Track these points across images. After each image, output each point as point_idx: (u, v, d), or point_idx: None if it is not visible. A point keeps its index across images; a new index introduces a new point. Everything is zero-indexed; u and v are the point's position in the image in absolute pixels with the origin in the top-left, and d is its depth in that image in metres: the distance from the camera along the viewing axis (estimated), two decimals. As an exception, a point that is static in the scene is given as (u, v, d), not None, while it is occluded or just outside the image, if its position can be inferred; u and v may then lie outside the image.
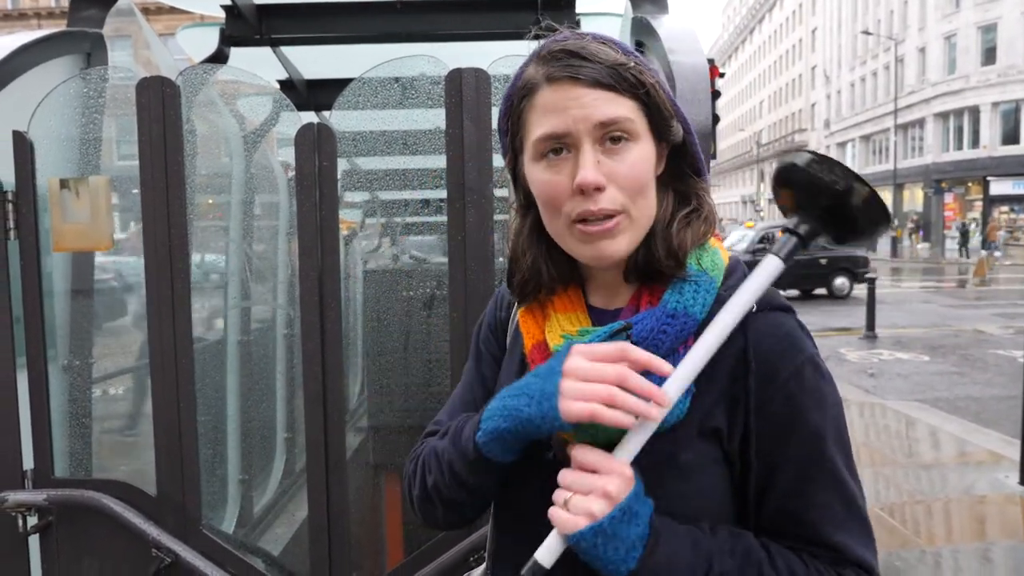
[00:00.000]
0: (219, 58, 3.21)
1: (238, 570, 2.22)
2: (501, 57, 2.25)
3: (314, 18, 3.31)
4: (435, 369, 3.09)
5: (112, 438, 4.57)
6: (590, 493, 0.90)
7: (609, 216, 0.97)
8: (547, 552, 0.93)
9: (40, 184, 2.20)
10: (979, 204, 38.20)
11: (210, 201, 3.86)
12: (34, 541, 2.29)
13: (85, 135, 2.65)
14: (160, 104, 2.13)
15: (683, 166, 1.06)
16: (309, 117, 3.65)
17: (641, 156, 0.98)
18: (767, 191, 70.59)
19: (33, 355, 2.22)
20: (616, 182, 0.97)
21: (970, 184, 38.98)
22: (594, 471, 0.91)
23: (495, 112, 2.09)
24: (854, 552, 0.97)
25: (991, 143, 36.93)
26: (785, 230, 0.98)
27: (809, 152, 0.94)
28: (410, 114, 2.60)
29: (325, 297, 2.17)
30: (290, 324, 3.94)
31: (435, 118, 2.34)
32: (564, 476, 0.94)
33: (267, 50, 3.51)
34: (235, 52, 3.28)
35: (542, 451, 1.03)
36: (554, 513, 0.92)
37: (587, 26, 3.18)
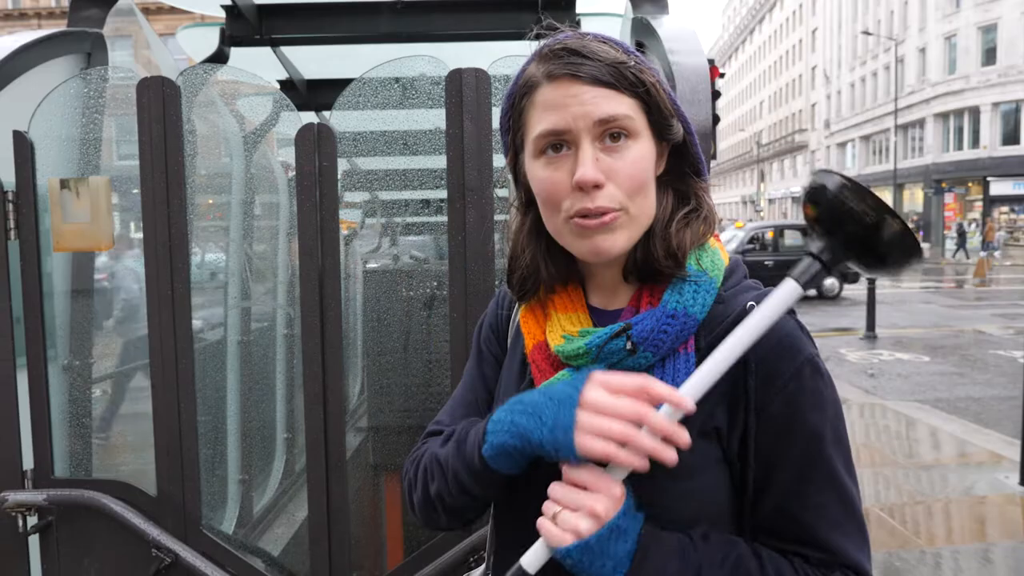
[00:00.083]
0: (219, 58, 3.21)
1: (238, 570, 2.22)
2: (501, 57, 2.25)
3: (314, 18, 3.31)
4: (435, 369, 3.09)
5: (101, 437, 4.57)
6: (579, 510, 0.90)
7: (605, 212, 0.97)
8: (533, 559, 0.93)
9: (40, 184, 2.20)
10: (979, 204, 38.19)
11: (210, 201, 3.86)
12: (34, 541, 2.29)
13: (85, 135, 2.65)
14: (160, 104, 2.13)
15: (683, 166, 1.06)
16: (309, 117, 3.65)
17: (640, 154, 0.98)
18: (767, 191, 70.67)
19: (33, 355, 2.22)
20: (615, 180, 0.97)
21: (970, 184, 38.98)
22: (584, 488, 0.91)
23: (495, 112, 2.10)
24: (848, 554, 0.97)
25: (991, 143, 36.94)
26: (808, 254, 0.93)
27: (841, 177, 0.89)
28: (410, 114, 2.60)
29: (325, 297, 2.17)
30: (290, 324, 3.94)
31: (435, 118, 2.34)
32: (554, 490, 0.93)
33: (267, 50, 3.51)
34: (235, 52, 3.28)
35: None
36: (542, 525, 0.92)
37: (587, 26, 3.18)
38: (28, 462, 2.25)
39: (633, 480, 0.95)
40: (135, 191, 2.21)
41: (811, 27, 62.13)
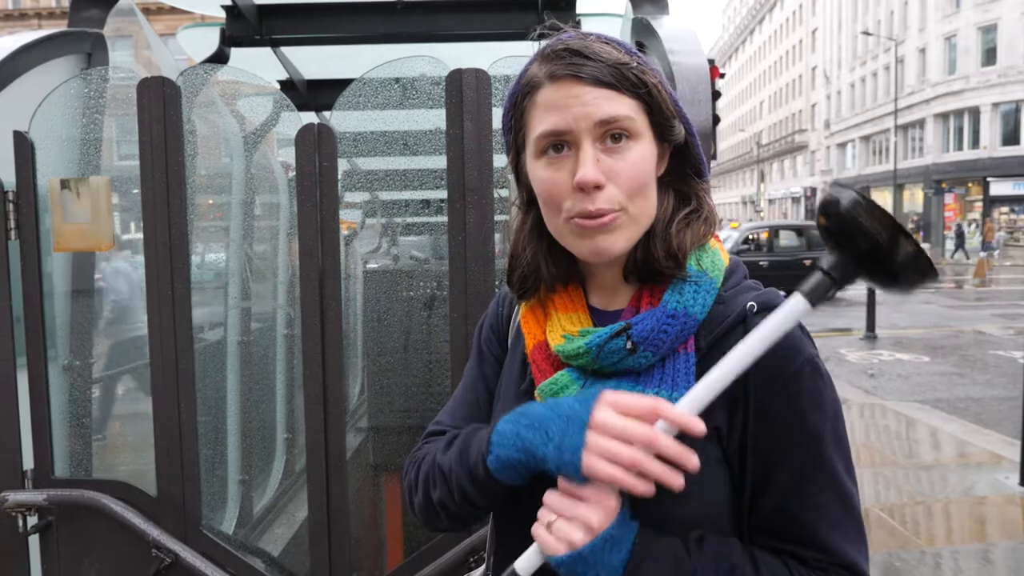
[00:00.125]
0: (220, 58, 3.21)
1: (238, 570, 2.22)
2: (502, 58, 2.25)
3: (315, 18, 3.31)
4: (435, 369, 3.09)
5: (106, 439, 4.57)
6: (573, 520, 0.90)
7: (607, 212, 0.97)
8: (527, 563, 0.94)
9: (41, 184, 2.20)
10: (979, 205, 38.19)
11: (210, 201, 3.86)
12: (34, 541, 2.29)
13: (86, 135, 2.65)
14: (161, 104, 2.13)
15: (685, 167, 1.07)
16: (309, 117, 3.65)
17: (641, 155, 0.99)
18: (767, 191, 70.68)
19: (33, 355, 2.22)
20: (615, 181, 0.97)
21: (970, 185, 38.98)
22: (579, 498, 0.91)
23: (496, 113, 2.10)
24: (847, 554, 0.97)
25: (991, 144, 36.93)
26: (819, 269, 0.91)
27: (855, 194, 0.87)
28: (410, 114, 2.60)
29: (325, 298, 2.17)
30: (290, 324, 3.94)
31: (435, 119, 2.34)
32: (549, 498, 0.93)
33: (267, 50, 3.51)
34: (235, 52, 3.28)
35: None
36: (537, 532, 0.92)
37: (588, 27, 3.18)
38: (28, 462, 2.25)
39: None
40: (135, 191, 2.21)
41: (811, 27, 62.14)
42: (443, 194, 2.17)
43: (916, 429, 7.24)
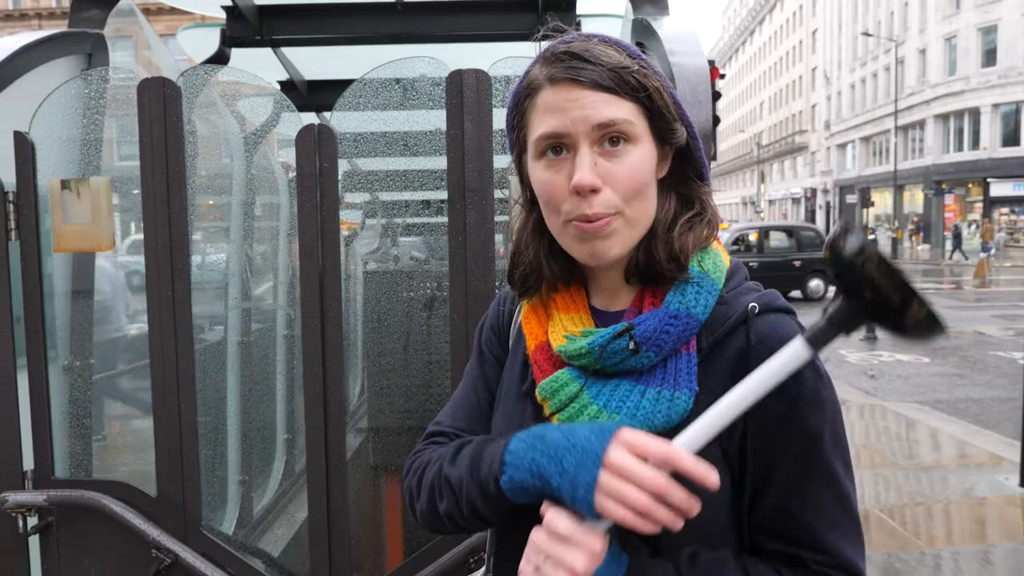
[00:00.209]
0: (220, 59, 3.21)
1: (238, 571, 2.22)
2: (502, 59, 2.25)
3: (315, 19, 3.31)
4: (435, 370, 3.09)
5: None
6: (559, 566, 0.90)
7: (604, 216, 0.98)
8: None
9: (41, 185, 2.20)
10: (979, 206, 38.19)
11: (211, 202, 3.86)
12: (34, 542, 2.29)
13: (86, 136, 2.65)
14: (161, 105, 2.13)
15: (687, 170, 1.07)
16: (310, 118, 3.66)
17: (639, 158, 0.99)
18: (767, 192, 70.69)
19: (33, 356, 2.22)
20: (612, 184, 0.97)
21: (970, 185, 38.99)
22: (566, 539, 0.90)
23: (496, 113, 2.10)
24: (845, 555, 0.98)
25: (991, 145, 36.94)
26: (826, 315, 0.88)
27: (862, 243, 0.83)
28: (411, 115, 2.60)
29: (326, 298, 2.17)
30: (290, 325, 3.94)
31: (436, 119, 2.34)
32: (537, 537, 0.93)
33: (268, 51, 3.51)
34: (236, 53, 3.28)
35: None
36: (524, 571, 0.93)
37: (588, 28, 3.19)
38: (28, 462, 2.25)
39: None
40: (136, 192, 2.21)
41: (811, 28, 62.16)
42: (443, 195, 2.17)
43: (916, 430, 7.24)
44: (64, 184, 2.21)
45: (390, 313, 3.14)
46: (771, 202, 71.13)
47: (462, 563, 2.10)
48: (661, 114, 1.00)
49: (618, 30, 3.18)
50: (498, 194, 2.16)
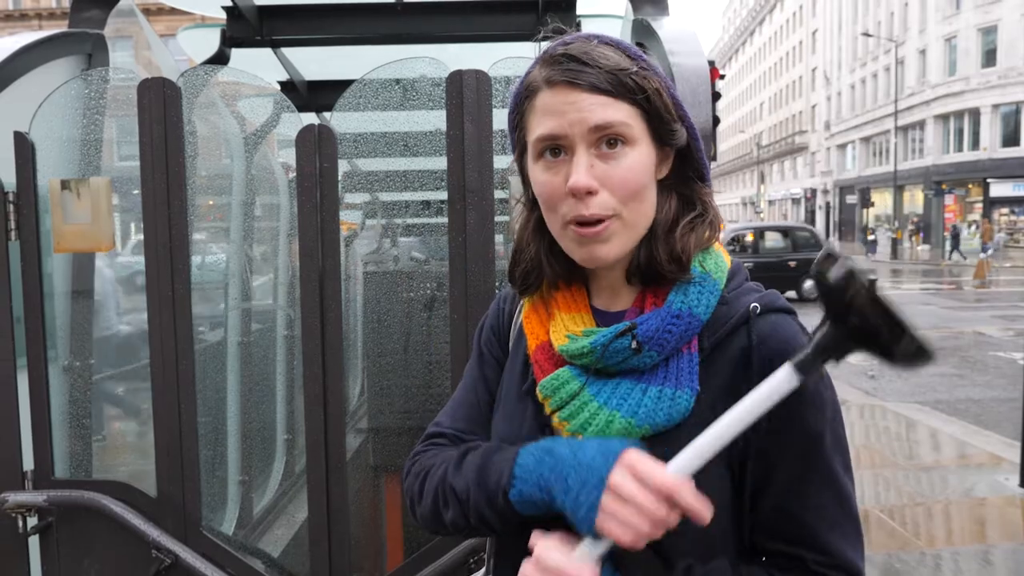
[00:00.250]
0: (220, 59, 3.21)
1: (238, 571, 2.22)
2: (502, 59, 2.26)
3: (315, 19, 3.31)
4: (435, 371, 3.09)
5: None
6: None
7: (600, 220, 0.98)
8: None
9: (41, 185, 2.20)
10: (979, 206, 38.19)
11: (211, 202, 3.86)
12: (34, 542, 2.29)
13: (86, 136, 2.65)
14: (161, 105, 2.13)
15: (688, 170, 1.07)
16: (310, 118, 3.66)
17: (637, 160, 0.99)
18: (767, 193, 70.69)
19: (33, 356, 2.22)
20: (609, 186, 0.98)
21: (970, 186, 38.98)
22: (555, 570, 0.91)
23: (496, 114, 2.10)
24: (845, 555, 0.99)
25: (991, 145, 36.92)
26: (813, 341, 0.89)
27: (848, 270, 0.83)
28: (411, 116, 2.60)
29: (326, 299, 2.17)
30: (290, 325, 3.94)
31: (436, 120, 2.34)
32: (526, 570, 0.94)
33: (268, 51, 3.51)
34: (236, 53, 3.28)
35: None
36: None
37: (588, 28, 3.19)
38: (28, 463, 2.25)
39: None
40: (136, 192, 2.21)
41: (811, 29, 62.16)
42: (443, 195, 2.17)
43: (916, 430, 7.24)
44: (64, 184, 2.21)
45: (390, 313, 3.14)
46: (771, 203, 71.13)
47: (462, 563, 2.10)
48: (659, 116, 1.00)
49: (618, 30, 3.18)
50: (498, 194, 2.15)
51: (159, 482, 2.22)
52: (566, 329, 1.06)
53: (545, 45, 1.05)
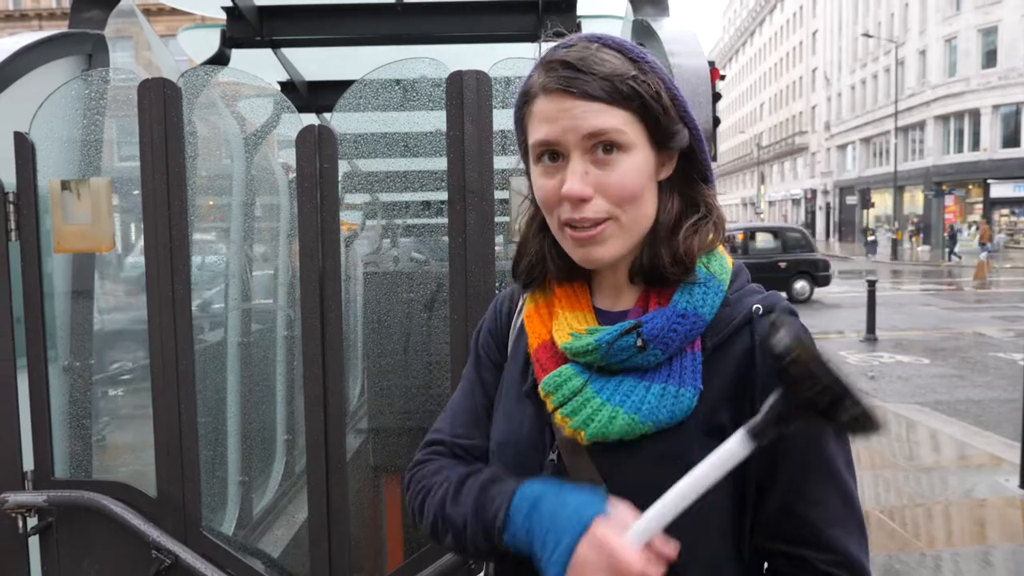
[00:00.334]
0: (220, 60, 3.21)
1: (238, 572, 2.21)
2: (502, 59, 2.26)
3: (315, 20, 3.31)
4: (435, 371, 3.09)
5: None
6: None
7: (595, 223, 1.00)
8: None
9: (41, 185, 2.20)
10: (979, 207, 38.18)
11: (211, 203, 3.86)
12: (34, 542, 2.28)
13: (86, 136, 2.65)
14: (161, 105, 2.13)
15: (692, 172, 1.08)
16: (310, 119, 3.66)
17: (632, 166, 1.00)
18: (767, 193, 70.67)
19: (33, 356, 2.22)
20: (603, 192, 0.99)
21: (970, 187, 38.98)
22: None
23: (496, 115, 2.11)
24: (851, 552, 0.99)
25: (991, 146, 36.91)
26: (766, 404, 0.90)
27: (793, 340, 0.85)
28: (411, 116, 2.60)
29: (326, 299, 2.17)
30: (290, 326, 3.94)
31: (436, 120, 2.34)
32: None
33: (268, 52, 3.51)
34: (236, 54, 3.28)
35: (544, 455, 1.05)
36: None
37: (588, 29, 3.18)
38: (28, 463, 2.25)
39: (642, 473, 0.97)
40: (136, 192, 2.21)
41: (811, 29, 62.15)
42: (443, 196, 2.17)
43: (916, 431, 7.24)
44: (64, 185, 2.21)
45: (390, 314, 3.13)
46: (771, 203, 71.12)
47: (462, 564, 2.09)
48: (657, 120, 1.01)
49: (618, 31, 3.18)
50: (498, 195, 2.15)
51: (159, 482, 2.22)
52: (570, 327, 1.07)
53: (549, 46, 1.06)
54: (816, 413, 0.85)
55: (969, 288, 21.99)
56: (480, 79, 2.10)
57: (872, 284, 12.47)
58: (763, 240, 19.18)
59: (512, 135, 2.34)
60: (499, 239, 2.16)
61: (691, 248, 1.03)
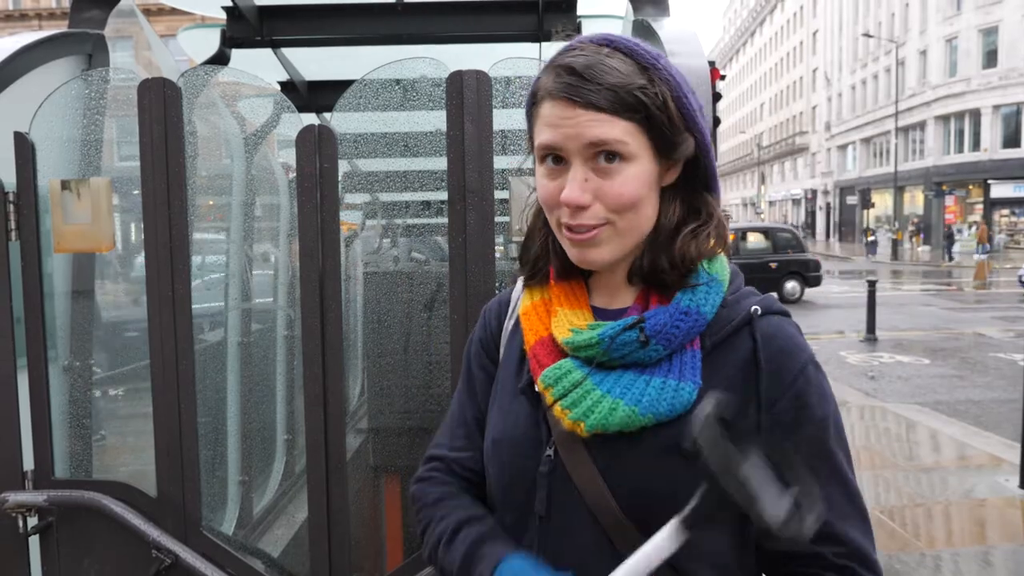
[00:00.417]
0: (220, 60, 3.21)
1: (238, 571, 2.21)
2: (502, 59, 2.26)
3: (315, 20, 3.31)
4: (435, 371, 3.09)
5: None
6: None
7: (591, 228, 1.02)
8: None
9: (41, 185, 2.20)
10: (980, 207, 38.18)
11: (211, 202, 3.86)
12: (34, 542, 2.28)
13: (86, 136, 2.65)
14: (161, 105, 2.13)
15: (695, 178, 1.09)
16: (310, 119, 3.66)
17: (633, 176, 1.01)
18: (767, 193, 70.68)
19: (33, 356, 2.22)
20: (603, 200, 1.01)
21: (971, 187, 38.97)
22: None
23: (496, 114, 2.11)
24: (858, 544, 1.01)
25: (992, 146, 36.91)
26: (694, 497, 0.91)
27: (714, 448, 0.87)
28: (411, 116, 2.60)
29: (326, 299, 2.17)
30: (290, 326, 3.94)
31: (436, 120, 2.34)
32: None
33: (268, 52, 3.51)
34: (236, 54, 3.28)
35: (541, 450, 1.06)
36: None
37: (589, 29, 3.18)
38: (28, 463, 2.25)
39: (641, 464, 0.99)
40: (136, 192, 2.21)
41: (812, 29, 62.14)
42: (443, 195, 2.17)
43: (916, 431, 7.24)
44: (64, 184, 2.21)
45: (390, 314, 3.13)
46: (771, 203, 71.12)
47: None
48: (661, 132, 1.01)
49: (618, 31, 3.18)
50: (498, 194, 2.15)
51: (159, 482, 2.22)
52: (569, 323, 1.08)
53: (556, 46, 1.07)
54: (736, 508, 0.86)
55: (969, 288, 21.99)
56: (480, 79, 2.10)
57: (872, 284, 12.48)
58: (754, 240, 19.17)
59: (512, 135, 2.35)
60: (500, 239, 2.16)
61: (688, 253, 1.04)
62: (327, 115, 3.20)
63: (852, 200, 49.44)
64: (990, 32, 37.43)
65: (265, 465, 3.84)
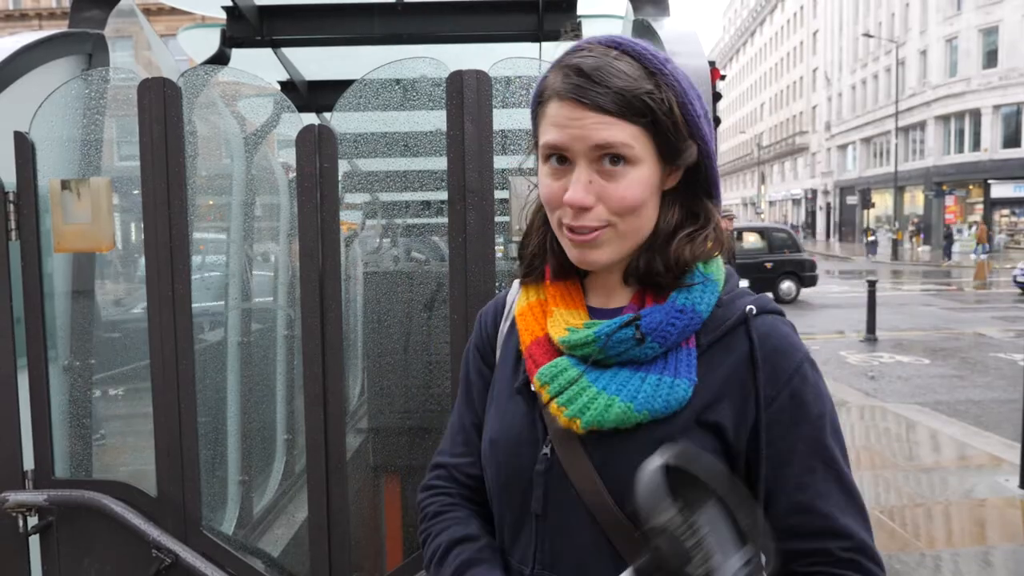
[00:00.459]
0: (220, 59, 3.21)
1: (238, 571, 2.22)
2: (502, 59, 2.26)
3: (315, 19, 3.31)
4: (435, 371, 3.09)
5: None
6: None
7: (593, 229, 1.02)
8: None
9: (41, 185, 2.20)
10: (980, 207, 38.18)
11: (211, 202, 3.86)
12: (34, 541, 2.29)
13: (86, 136, 2.65)
14: (161, 105, 2.13)
15: (697, 185, 1.09)
16: (310, 118, 3.65)
17: (636, 180, 1.01)
18: (767, 193, 70.66)
19: (34, 356, 2.22)
20: (606, 202, 1.01)
21: (971, 187, 38.97)
22: None
23: (496, 114, 2.11)
24: (861, 537, 1.02)
25: (992, 146, 36.91)
26: (645, 553, 0.89)
27: (659, 519, 0.85)
28: (411, 116, 2.60)
29: (326, 299, 2.17)
30: (290, 325, 3.94)
31: (436, 120, 2.34)
32: None
33: (268, 51, 3.51)
34: (236, 53, 3.28)
35: (537, 449, 1.07)
36: None
37: (588, 29, 3.18)
38: (29, 462, 2.25)
39: (636, 461, 0.97)
40: (136, 192, 2.21)
41: (812, 29, 62.13)
42: (444, 195, 2.17)
43: (916, 431, 7.24)
44: (64, 184, 2.21)
45: (390, 314, 3.13)
46: (771, 203, 71.11)
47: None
48: (666, 137, 1.02)
49: (618, 31, 3.18)
50: (498, 194, 2.16)
51: (159, 482, 2.22)
52: (565, 323, 1.09)
53: (558, 46, 1.07)
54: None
55: (969, 288, 21.99)
56: (480, 79, 2.10)
57: (872, 284, 12.48)
58: (749, 240, 19.12)
59: (512, 135, 2.35)
60: (500, 239, 2.16)
61: (682, 256, 1.05)
62: (327, 115, 3.20)
63: (852, 200, 49.44)
64: (990, 32, 37.43)
65: (265, 465, 3.84)
